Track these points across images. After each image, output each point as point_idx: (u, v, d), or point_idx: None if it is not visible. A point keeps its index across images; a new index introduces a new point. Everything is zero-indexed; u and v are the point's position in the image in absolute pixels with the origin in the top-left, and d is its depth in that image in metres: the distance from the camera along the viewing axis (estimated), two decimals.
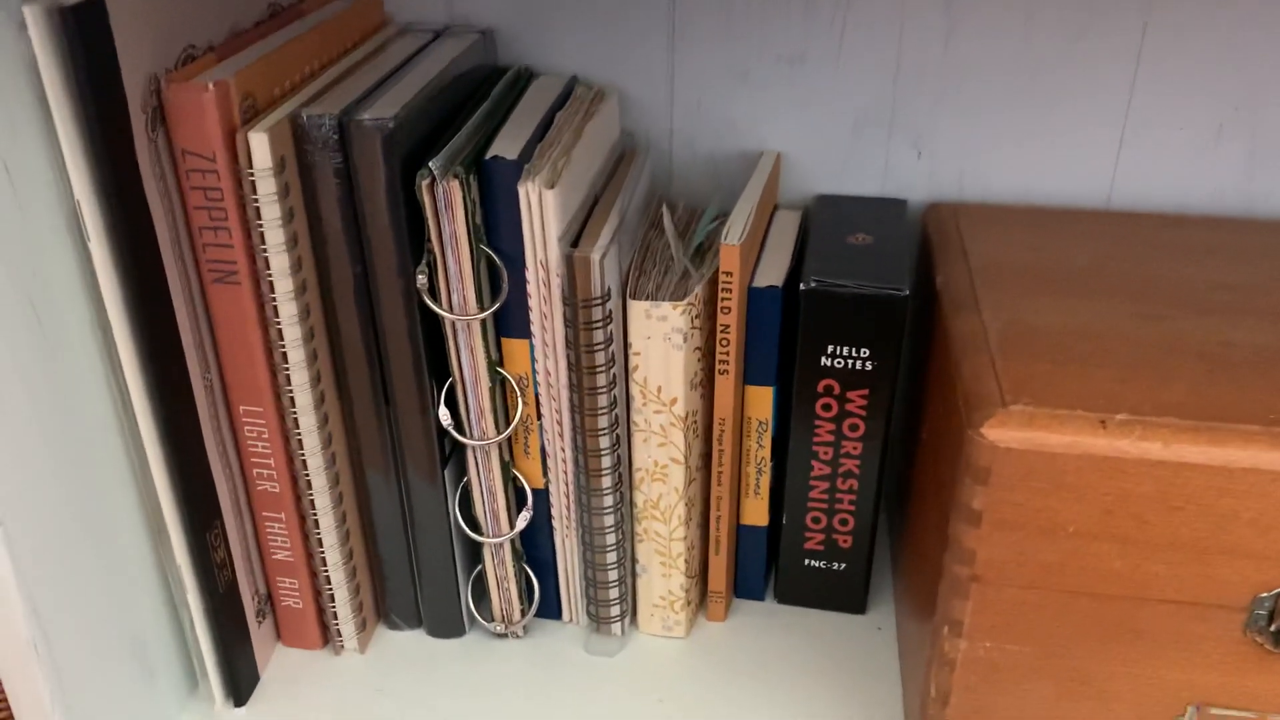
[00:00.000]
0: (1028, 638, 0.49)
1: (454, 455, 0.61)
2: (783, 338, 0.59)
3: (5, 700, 0.51)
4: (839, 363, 0.58)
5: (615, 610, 0.64)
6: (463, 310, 0.55)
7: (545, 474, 0.61)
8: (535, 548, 0.64)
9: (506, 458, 0.60)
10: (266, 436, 0.57)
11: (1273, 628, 0.46)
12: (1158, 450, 0.44)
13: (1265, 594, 0.46)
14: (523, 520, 0.62)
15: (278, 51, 0.54)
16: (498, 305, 0.55)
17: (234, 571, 0.59)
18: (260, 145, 0.49)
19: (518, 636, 0.66)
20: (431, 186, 0.52)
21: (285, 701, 0.61)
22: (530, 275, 0.55)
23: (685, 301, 0.55)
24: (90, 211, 0.47)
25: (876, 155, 0.67)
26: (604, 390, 0.57)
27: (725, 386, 0.59)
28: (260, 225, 0.51)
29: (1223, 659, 0.48)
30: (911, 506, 0.62)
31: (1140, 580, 0.47)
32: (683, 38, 0.66)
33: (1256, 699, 0.49)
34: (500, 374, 0.58)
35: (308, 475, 0.58)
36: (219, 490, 0.57)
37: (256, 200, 0.50)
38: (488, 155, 0.53)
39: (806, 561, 0.65)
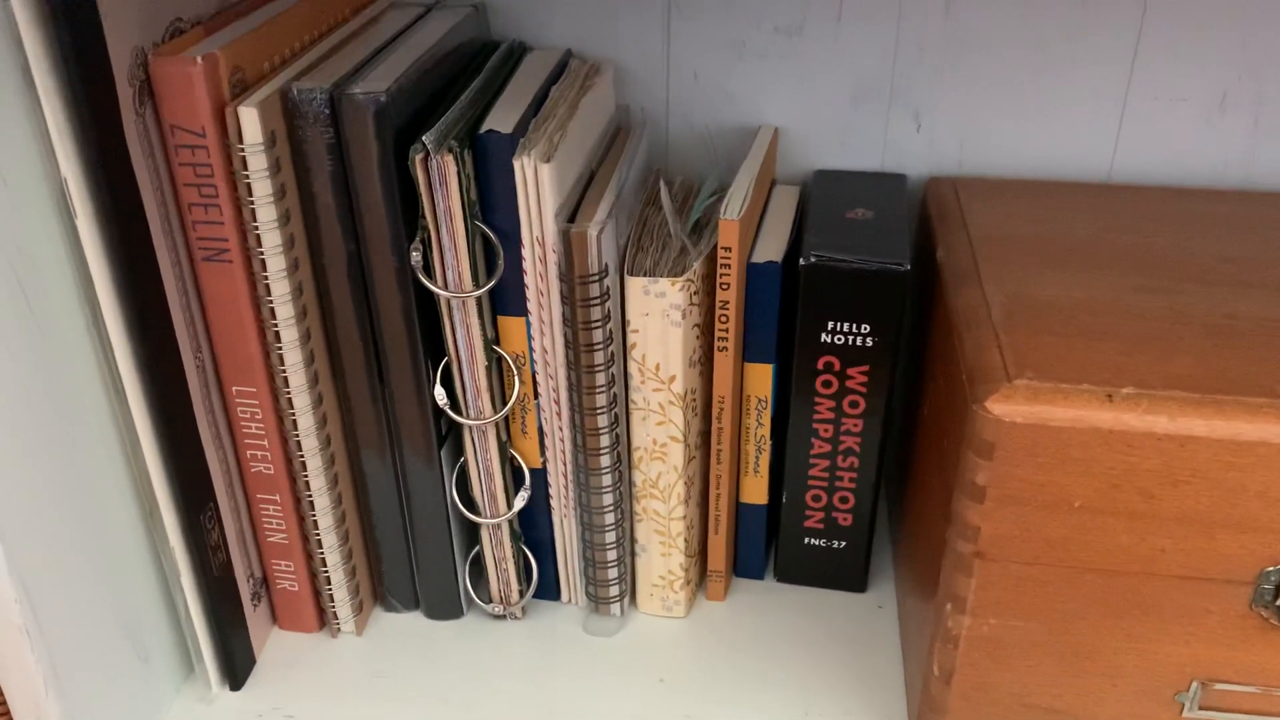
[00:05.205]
0: (1032, 614, 0.49)
1: (450, 435, 0.60)
2: (782, 314, 0.58)
3: None
4: (839, 339, 0.58)
5: (614, 590, 0.63)
6: (458, 287, 0.54)
7: (543, 453, 0.60)
8: (533, 528, 0.63)
9: (503, 437, 0.60)
10: (260, 417, 0.56)
11: (1278, 602, 0.46)
12: (1164, 424, 0.44)
13: (1271, 568, 0.45)
14: (520, 500, 0.61)
15: (267, 25, 0.53)
16: (493, 282, 0.55)
17: (228, 554, 0.58)
18: (250, 120, 0.48)
19: (516, 618, 0.65)
20: (425, 161, 0.51)
21: (282, 685, 0.61)
22: (526, 251, 0.54)
23: (684, 278, 0.54)
24: (77, 188, 0.46)
25: (875, 129, 0.66)
26: (602, 368, 0.56)
27: (724, 364, 0.58)
28: (251, 202, 0.50)
29: (1228, 634, 0.48)
30: (913, 484, 0.62)
31: (1146, 555, 0.46)
32: (678, 9, 0.65)
33: (1261, 674, 0.48)
34: (496, 352, 0.57)
35: (302, 456, 0.57)
36: (212, 472, 0.56)
37: (247, 176, 0.49)
38: (482, 129, 0.52)
39: (806, 540, 0.65)
